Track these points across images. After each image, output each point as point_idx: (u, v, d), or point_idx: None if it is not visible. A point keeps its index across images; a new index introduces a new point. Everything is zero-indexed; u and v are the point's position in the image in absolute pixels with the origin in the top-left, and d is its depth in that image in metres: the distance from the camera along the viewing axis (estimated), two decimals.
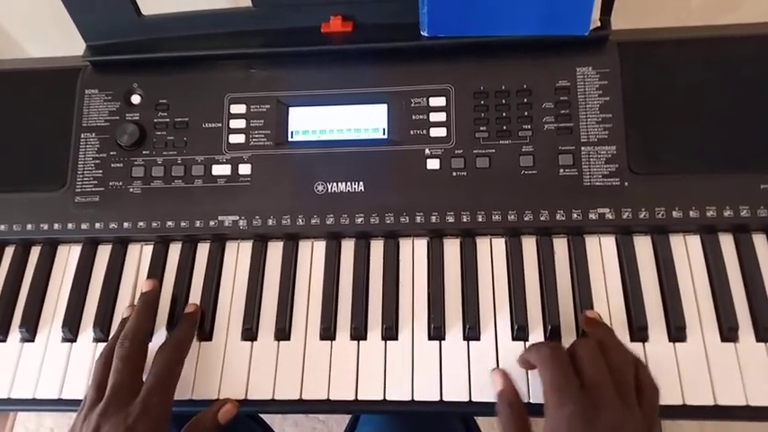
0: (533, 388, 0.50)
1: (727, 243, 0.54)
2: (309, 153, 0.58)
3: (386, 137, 0.57)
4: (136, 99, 0.61)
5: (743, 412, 0.48)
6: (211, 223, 0.57)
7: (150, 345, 0.52)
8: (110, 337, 0.52)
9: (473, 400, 0.50)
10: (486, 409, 0.50)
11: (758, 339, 0.50)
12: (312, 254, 0.57)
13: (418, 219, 0.55)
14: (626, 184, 0.54)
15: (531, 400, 0.49)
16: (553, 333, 0.51)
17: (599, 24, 0.55)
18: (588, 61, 0.56)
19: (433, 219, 0.55)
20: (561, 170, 0.55)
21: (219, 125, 0.59)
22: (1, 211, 0.59)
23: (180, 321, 0.53)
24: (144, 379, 0.48)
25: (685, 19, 0.79)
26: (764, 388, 0.48)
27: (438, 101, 0.57)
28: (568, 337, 0.51)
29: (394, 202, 0.55)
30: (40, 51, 0.83)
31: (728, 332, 0.50)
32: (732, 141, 0.54)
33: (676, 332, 0.50)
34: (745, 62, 0.55)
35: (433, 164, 0.56)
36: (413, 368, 0.52)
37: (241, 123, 0.59)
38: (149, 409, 0.45)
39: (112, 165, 0.59)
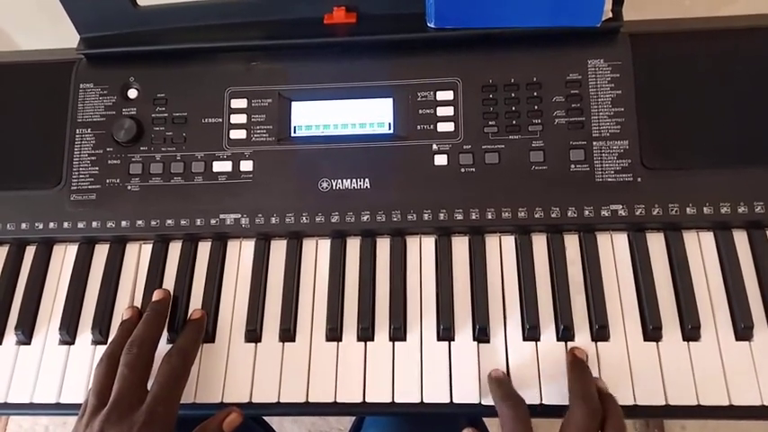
0: (545, 389, 0.49)
1: (741, 240, 0.52)
2: (313, 149, 0.56)
3: (392, 132, 0.56)
4: (133, 93, 0.59)
5: (758, 412, 0.48)
6: (212, 221, 0.55)
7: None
8: (109, 342, 0.51)
9: (483, 402, 0.49)
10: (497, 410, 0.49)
11: None
12: (317, 253, 0.55)
13: (425, 216, 0.54)
14: (639, 179, 0.53)
15: (543, 402, 0.48)
16: (565, 333, 0.50)
17: (611, 15, 0.54)
18: (600, 53, 0.55)
19: (441, 216, 0.53)
20: (572, 166, 0.53)
21: (220, 120, 0.57)
22: None
23: (185, 328, 0.52)
24: (149, 387, 0.46)
25: (690, 8, 0.78)
26: None
27: (445, 95, 0.55)
28: (581, 338, 0.50)
29: (401, 199, 0.54)
30: (32, 44, 0.81)
31: (743, 331, 0.49)
32: (747, 135, 0.53)
33: (690, 331, 0.49)
34: (761, 54, 0.54)
35: (440, 159, 0.54)
36: (422, 370, 0.50)
37: (242, 118, 0.57)
38: (154, 417, 0.44)
39: (109, 161, 0.57)
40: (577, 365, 0.47)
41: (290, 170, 0.56)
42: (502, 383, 0.48)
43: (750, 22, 0.55)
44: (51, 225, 0.57)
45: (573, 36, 0.55)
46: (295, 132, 0.57)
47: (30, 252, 0.58)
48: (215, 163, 0.56)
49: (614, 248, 0.53)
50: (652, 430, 1.02)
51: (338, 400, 0.50)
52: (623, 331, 0.50)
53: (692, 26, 0.56)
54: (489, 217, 0.53)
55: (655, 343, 0.50)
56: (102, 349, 0.53)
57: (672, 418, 0.93)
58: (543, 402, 0.48)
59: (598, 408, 0.44)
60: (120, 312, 0.55)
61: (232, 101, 0.57)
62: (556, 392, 0.48)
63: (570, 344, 0.50)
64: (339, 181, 0.55)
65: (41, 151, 0.59)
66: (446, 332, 0.51)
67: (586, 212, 0.52)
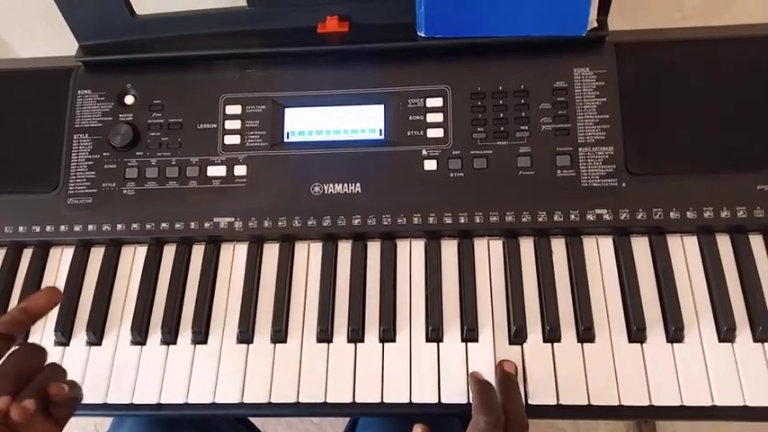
0: (531, 389, 0.50)
1: (724, 244, 0.54)
2: (305, 154, 0.57)
3: (383, 138, 0.57)
4: (129, 99, 0.60)
5: (741, 412, 0.49)
6: (206, 225, 0.56)
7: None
8: None
9: (471, 402, 0.50)
10: None
11: (755, 339, 0.50)
12: (309, 256, 0.56)
13: (415, 220, 0.55)
14: (623, 184, 0.54)
15: (529, 402, 0.49)
16: (551, 334, 0.51)
17: (596, 25, 0.55)
18: (585, 62, 0.56)
19: (431, 220, 0.55)
20: (559, 171, 0.54)
21: (214, 126, 0.58)
22: None
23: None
24: None
25: (680, 20, 0.80)
26: (762, 388, 0.49)
27: (435, 101, 0.57)
28: (568, 339, 0.51)
29: (391, 204, 0.55)
30: (32, 52, 0.82)
31: (726, 333, 0.50)
32: (729, 142, 0.54)
33: (674, 333, 0.50)
34: (741, 63, 0.55)
35: (430, 165, 0.56)
36: (410, 370, 0.51)
37: (236, 124, 0.58)
38: None
39: (106, 166, 0.58)
40: (506, 380, 0.48)
41: (282, 175, 0.57)
42: (486, 391, 0.46)
43: (730, 33, 0.57)
44: (48, 228, 0.58)
45: (559, 45, 0.56)
46: (288, 138, 0.58)
47: (27, 255, 0.59)
48: (209, 167, 0.57)
49: (600, 252, 0.54)
50: None
51: (328, 401, 0.51)
52: (608, 333, 0.51)
53: (674, 36, 0.57)
54: (478, 221, 0.54)
55: (639, 344, 0.51)
56: (96, 350, 0.54)
57: (656, 419, 0.94)
58: (529, 402, 0.49)
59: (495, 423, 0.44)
60: (115, 314, 0.56)
61: (227, 107, 0.59)
62: (541, 393, 0.49)
63: (556, 345, 0.51)
64: (331, 185, 0.56)
65: (39, 156, 0.60)
66: (435, 333, 0.52)
67: (572, 217, 0.53)
